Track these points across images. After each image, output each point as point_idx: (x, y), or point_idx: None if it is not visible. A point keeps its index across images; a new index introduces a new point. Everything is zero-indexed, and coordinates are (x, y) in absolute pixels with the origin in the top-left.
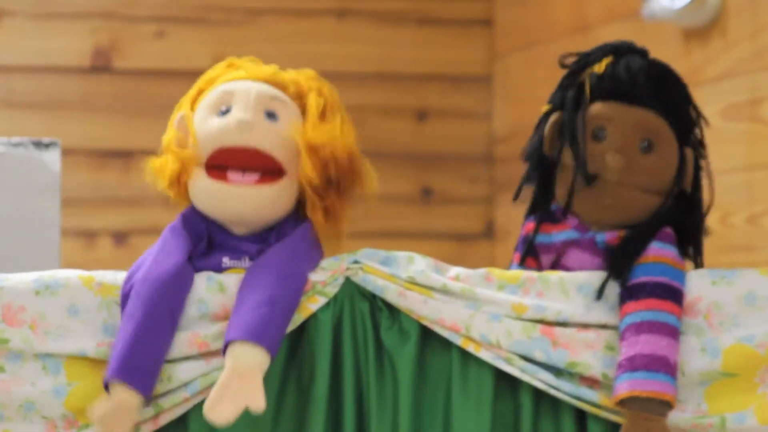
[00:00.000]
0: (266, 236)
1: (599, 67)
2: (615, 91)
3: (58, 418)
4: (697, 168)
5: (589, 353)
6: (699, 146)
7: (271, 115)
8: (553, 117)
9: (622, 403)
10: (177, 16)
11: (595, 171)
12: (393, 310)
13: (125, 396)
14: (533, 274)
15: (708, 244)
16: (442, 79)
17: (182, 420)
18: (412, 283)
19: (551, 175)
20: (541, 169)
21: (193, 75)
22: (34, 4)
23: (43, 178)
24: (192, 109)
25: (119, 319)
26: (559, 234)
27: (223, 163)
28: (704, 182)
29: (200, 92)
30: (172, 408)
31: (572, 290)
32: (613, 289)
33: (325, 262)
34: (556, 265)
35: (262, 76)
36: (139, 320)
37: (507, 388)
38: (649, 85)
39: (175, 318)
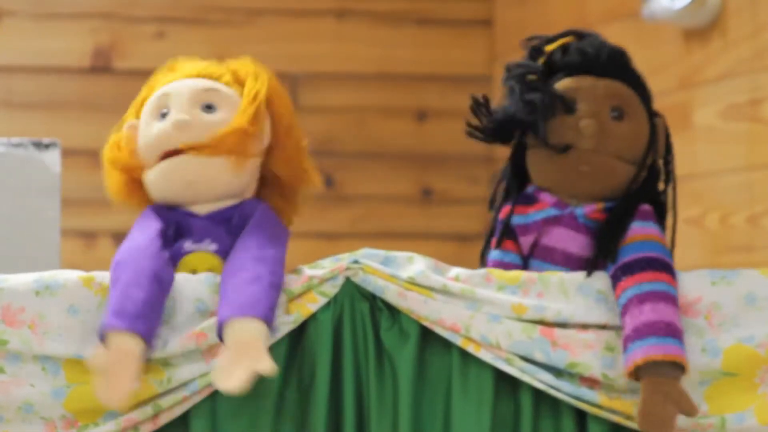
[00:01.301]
0: (228, 215)
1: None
2: (582, 64)
3: (58, 419)
4: (669, 138)
5: (589, 353)
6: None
7: (209, 107)
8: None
9: (637, 370)
10: (177, 17)
11: (569, 141)
12: (393, 311)
13: (122, 340)
14: (533, 274)
15: (708, 244)
16: (442, 79)
17: (183, 420)
18: (412, 283)
19: (521, 162)
20: (513, 158)
21: None
22: (34, 4)
23: (43, 178)
24: (138, 117)
25: None
26: (537, 213)
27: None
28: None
29: (144, 100)
30: (171, 408)
31: (572, 291)
32: (611, 289)
33: (325, 261)
34: (536, 245)
35: (195, 72)
36: (125, 280)
37: (507, 388)
38: (613, 58)
39: (160, 278)
